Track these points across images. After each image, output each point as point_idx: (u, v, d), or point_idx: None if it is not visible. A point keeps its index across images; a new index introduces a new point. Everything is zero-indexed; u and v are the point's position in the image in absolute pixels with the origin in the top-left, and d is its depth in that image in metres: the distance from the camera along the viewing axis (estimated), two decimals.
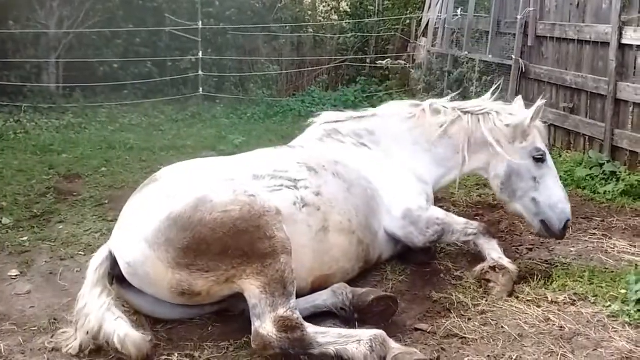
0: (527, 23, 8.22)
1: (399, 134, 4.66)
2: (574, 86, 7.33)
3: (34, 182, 6.24)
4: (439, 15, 10.91)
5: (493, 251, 4.26)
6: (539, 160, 4.43)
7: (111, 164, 6.95)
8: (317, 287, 3.81)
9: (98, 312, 3.26)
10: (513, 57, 8.36)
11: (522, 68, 8.27)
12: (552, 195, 4.39)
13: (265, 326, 3.17)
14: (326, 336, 3.20)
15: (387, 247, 4.39)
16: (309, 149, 4.37)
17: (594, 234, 5.08)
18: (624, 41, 6.41)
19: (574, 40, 7.37)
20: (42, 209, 5.54)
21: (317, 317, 3.61)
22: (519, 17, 8.25)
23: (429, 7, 11.67)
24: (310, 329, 3.22)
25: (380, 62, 11.92)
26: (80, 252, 4.65)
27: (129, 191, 5.97)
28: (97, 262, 3.49)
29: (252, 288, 3.28)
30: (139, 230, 3.36)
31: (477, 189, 6.38)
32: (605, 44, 6.71)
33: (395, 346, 3.19)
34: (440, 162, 4.69)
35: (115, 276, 3.53)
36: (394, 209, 4.30)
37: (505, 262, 4.13)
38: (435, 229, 4.31)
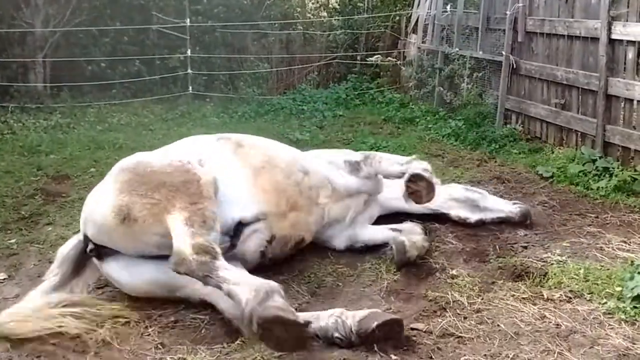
0: (516, 19, 8.17)
1: None
2: (564, 82, 7.31)
3: (21, 183, 6.17)
4: (429, 11, 10.86)
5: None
6: None
7: (100, 165, 6.85)
8: None
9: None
10: (503, 53, 8.33)
11: (512, 64, 8.24)
12: None
13: (184, 248, 3.48)
14: (229, 273, 3.41)
15: None
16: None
17: (589, 230, 5.07)
18: (613, 36, 6.40)
19: (563, 35, 7.35)
20: (30, 210, 5.47)
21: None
22: (508, 12, 8.21)
23: (419, 4, 11.62)
24: (220, 262, 3.46)
25: (370, 59, 11.85)
26: None
27: None
28: (66, 248, 4.09)
29: (176, 222, 3.61)
30: (99, 194, 3.97)
31: (472, 185, 6.34)
32: (595, 39, 6.69)
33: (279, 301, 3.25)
34: None
35: (95, 255, 3.99)
36: None
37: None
38: None
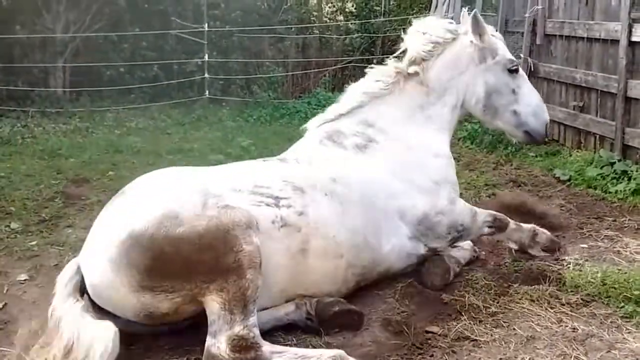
0: (535, 21, 8.16)
1: (395, 116, 4.25)
2: (583, 84, 7.27)
3: (42, 186, 6.24)
4: (446, 14, 10.83)
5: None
6: (514, 71, 4.30)
7: (118, 168, 6.94)
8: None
9: (72, 324, 3.09)
10: (522, 55, 8.29)
11: (531, 66, 8.22)
12: (531, 104, 4.34)
13: (219, 345, 3.04)
14: (282, 356, 3.08)
15: (399, 260, 4.07)
16: (304, 161, 3.96)
17: (606, 234, 5.02)
18: (633, 38, 6.34)
19: (583, 38, 7.31)
20: (51, 213, 5.54)
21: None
22: (527, 15, 8.20)
23: (436, 7, 11.60)
24: (267, 347, 3.09)
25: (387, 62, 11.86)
26: None
27: None
28: (66, 276, 3.32)
29: (212, 304, 3.11)
30: (103, 249, 3.14)
31: (487, 189, 6.33)
32: (615, 42, 6.63)
33: None
34: (442, 124, 4.36)
35: (85, 290, 3.32)
36: (408, 215, 4.03)
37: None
38: (454, 236, 4.17)
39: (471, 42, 4.24)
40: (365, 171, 3.99)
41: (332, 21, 13.59)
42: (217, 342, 3.04)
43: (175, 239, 3.05)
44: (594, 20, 7.17)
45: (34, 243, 4.91)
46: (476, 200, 5.99)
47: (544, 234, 4.57)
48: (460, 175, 6.73)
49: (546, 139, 4.60)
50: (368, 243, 3.83)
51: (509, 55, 4.34)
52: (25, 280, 4.29)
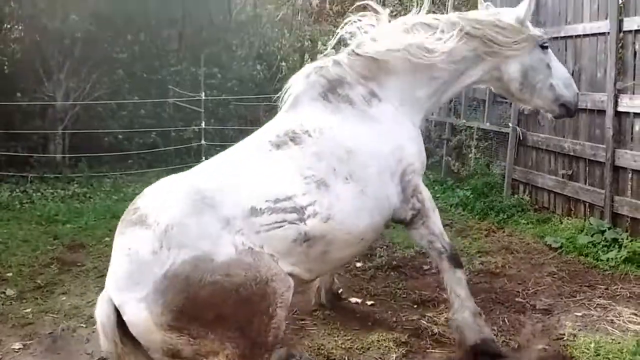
0: None
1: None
2: (571, 153, 7.43)
3: (38, 252, 6.28)
4: None
5: (459, 287, 4.14)
6: (545, 47, 4.27)
7: (114, 234, 6.97)
8: None
9: None
10: (510, 124, 8.51)
11: (519, 136, 8.42)
12: (562, 75, 4.34)
13: None
14: None
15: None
16: (315, 131, 3.70)
17: (599, 302, 5.06)
18: (619, 109, 6.50)
19: None
20: (46, 279, 5.55)
21: None
22: None
23: None
24: None
25: None
26: (82, 325, 4.65)
27: None
28: (105, 312, 3.00)
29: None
30: (135, 288, 2.91)
31: (479, 257, 6.39)
32: (602, 112, 6.80)
33: None
34: (441, 87, 4.24)
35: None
36: (397, 175, 3.93)
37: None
38: (413, 211, 4.03)
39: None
40: (376, 129, 3.90)
41: None
42: None
43: (211, 284, 2.89)
44: (580, 90, 7.32)
45: (28, 310, 4.92)
46: (470, 267, 6.04)
47: (488, 328, 4.29)
48: (454, 242, 6.83)
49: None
50: (382, 215, 3.78)
51: (538, 32, 4.28)
52: (19, 349, 4.28)
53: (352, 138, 3.73)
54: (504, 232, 7.37)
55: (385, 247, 6.66)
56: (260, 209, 3.16)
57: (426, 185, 9.14)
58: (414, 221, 4.07)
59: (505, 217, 7.82)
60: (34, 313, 4.87)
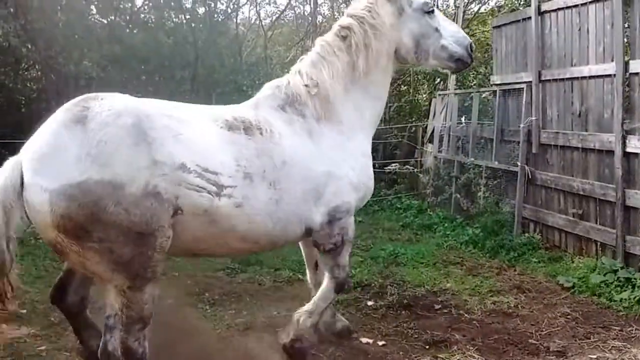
0: (530, 131, 8.47)
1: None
2: (581, 192, 7.46)
3: (52, 289, 6.25)
4: (444, 123, 11.28)
5: (322, 300, 4.48)
6: (431, 12, 4.54)
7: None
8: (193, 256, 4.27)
9: None
10: (519, 163, 8.57)
11: (528, 174, 8.47)
12: (452, 33, 4.61)
13: (114, 342, 3.48)
14: None
15: (299, 239, 4.35)
16: (267, 132, 3.97)
17: (614, 344, 5.04)
18: (628, 149, 6.58)
19: (578, 148, 7.56)
20: (60, 317, 5.49)
21: None
22: (521, 126, 8.53)
23: (434, 115, 12.07)
24: None
25: (388, 168, 12.17)
26: None
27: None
28: (9, 176, 3.26)
29: (114, 302, 3.43)
30: (48, 177, 3.16)
31: (491, 296, 6.38)
32: (610, 152, 6.87)
33: None
34: (375, 96, 4.56)
35: None
36: (326, 203, 4.13)
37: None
38: (337, 240, 4.26)
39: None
40: (313, 149, 4.11)
41: None
42: (113, 340, 3.47)
43: (112, 214, 3.19)
44: (588, 131, 7.43)
45: (42, 348, 4.89)
46: (482, 307, 6.03)
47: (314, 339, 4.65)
48: (464, 281, 6.84)
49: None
50: (286, 229, 3.97)
51: (421, 1, 4.54)
52: None
53: (293, 151, 3.98)
54: (515, 270, 7.36)
55: (395, 285, 6.66)
56: (189, 168, 3.46)
57: (436, 223, 9.30)
58: (328, 252, 4.31)
59: (516, 255, 7.83)
60: (48, 351, 4.85)
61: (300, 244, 4.84)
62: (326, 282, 4.47)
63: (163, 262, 3.49)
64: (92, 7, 11.08)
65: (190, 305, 5.85)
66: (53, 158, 3.19)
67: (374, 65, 4.41)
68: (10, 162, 3.32)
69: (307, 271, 5.03)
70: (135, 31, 11.44)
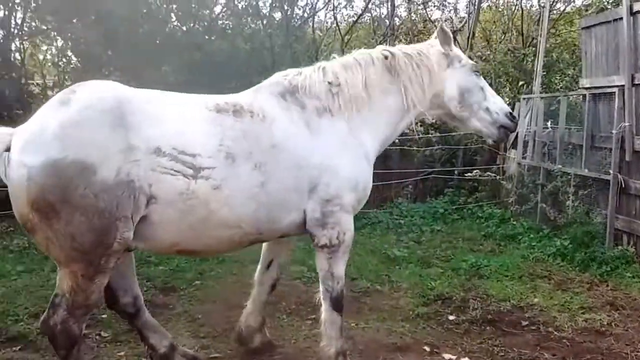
0: (623, 138, 7.99)
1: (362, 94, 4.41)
2: None
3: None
4: (529, 127, 10.82)
5: (332, 327, 4.33)
6: (478, 73, 4.68)
7: (204, 277, 7.05)
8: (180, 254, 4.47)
9: None
10: (611, 171, 8.08)
11: (621, 183, 7.97)
12: (496, 99, 4.68)
13: (56, 319, 3.58)
14: None
15: (295, 229, 4.19)
16: (258, 115, 3.98)
17: None
18: None
19: None
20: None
21: None
22: (614, 132, 8.04)
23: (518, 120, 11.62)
24: (79, 353, 3.71)
25: (469, 174, 11.80)
26: None
27: (220, 306, 6.05)
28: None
29: (64, 281, 3.52)
30: (29, 154, 3.29)
31: (582, 313, 6.00)
32: None
33: None
34: (394, 114, 4.54)
35: None
36: (319, 195, 4.07)
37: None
38: (330, 236, 4.16)
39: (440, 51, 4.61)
40: (311, 138, 4.08)
41: (412, 133, 13.77)
42: (56, 316, 3.58)
43: (79, 197, 3.28)
44: None
45: (122, 354, 4.95)
46: (572, 325, 5.67)
47: None
48: (553, 296, 6.49)
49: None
50: (272, 216, 3.93)
51: (471, 61, 4.75)
52: None
53: (285, 137, 3.96)
54: (607, 286, 6.93)
55: (479, 298, 6.39)
56: (164, 152, 3.50)
57: (520, 233, 8.92)
58: (322, 249, 4.21)
59: (608, 269, 7.37)
60: (128, 356, 4.91)
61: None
62: (322, 303, 4.37)
63: (120, 255, 3.56)
64: (172, 14, 11.29)
65: (267, 314, 5.79)
66: (36, 136, 3.34)
67: (401, 91, 4.49)
68: (1, 134, 3.47)
69: (258, 267, 4.93)
70: (213, 38, 11.60)
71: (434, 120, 13.56)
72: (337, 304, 4.33)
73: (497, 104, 4.66)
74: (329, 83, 4.31)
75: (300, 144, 4.01)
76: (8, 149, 3.39)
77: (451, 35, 4.67)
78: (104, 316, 5.70)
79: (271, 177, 3.84)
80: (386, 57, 4.50)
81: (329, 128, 4.18)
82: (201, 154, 3.60)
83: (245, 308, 4.98)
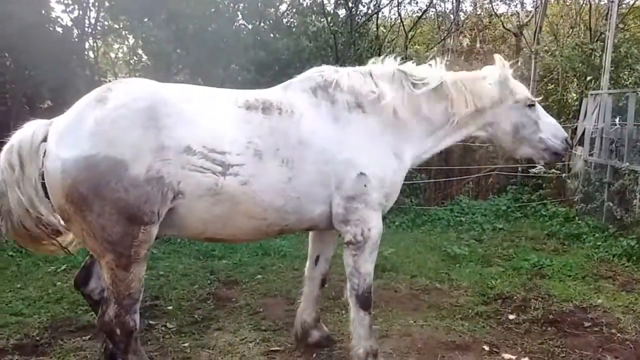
0: None
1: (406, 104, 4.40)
2: None
3: (196, 287, 6.58)
4: (596, 124, 10.53)
5: (360, 327, 4.36)
6: (532, 105, 4.63)
7: (266, 271, 7.20)
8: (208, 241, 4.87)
9: None
10: None
11: None
12: (550, 128, 4.66)
13: (110, 314, 3.75)
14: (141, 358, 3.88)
15: (325, 220, 4.20)
16: (286, 112, 4.04)
17: None
18: None
19: None
20: (203, 314, 5.80)
21: None
22: None
23: (585, 116, 11.32)
24: (137, 344, 3.87)
25: (532, 170, 11.57)
26: None
27: (281, 300, 6.19)
28: (35, 134, 3.65)
29: (104, 273, 3.72)
30: (64, 147, 3.48)
31: None
32: None
33: None
34: (433, 133, 4.55)
35: None
36: (344, 190, 4.08)
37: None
38: (355, 233, 4.18)
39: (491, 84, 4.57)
40: (339, 134, 4.09)
41: None
42: (109, 310, 3.75)
43: (111, 192, 3.45)
44: None
45: (186, 345, 5.11)
46: (637, 327, 5.53)
47: None
48: (617, 298, 6.33)
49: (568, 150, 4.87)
50: (299, 209, 4.00)
51: (527, 93, 4.67)
52: None
53: (313, 132, 4.00)
54: None
55: (540, 298, 6.30)
56: (195, 150, 3.62)
57: (585, 232, 8.73)
58: (348, 245, 4.24)
59: None
60: (191, 347, 5.06)
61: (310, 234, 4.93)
62: (350, 302, 4.39)
63: (149, 245, 3.68)
64: (239, 13, 11.50)
65: (327, 309, 5.89)
66: (72, 131, 3.52)
67: (448, 109, 4.51)
68: (40, 124, 3.70)
69: (307, 263, 4.99)
70: (278, 36, 11.76)
71: None
72: (364, 302, 4.33)
73: (551, 131, 4.65)
74: (372, 92, 4.31)
75: (326, 138, 4.03)
76: (45, 140, 3.62)
77: (508, 70, 4.64)
78: (169, 308, 5.93)
79: (298, 172, 3.91)
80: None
81: (359, 124, 4.17)
82: (230, 152, 3.71)
83: (300, 305, 5.08)
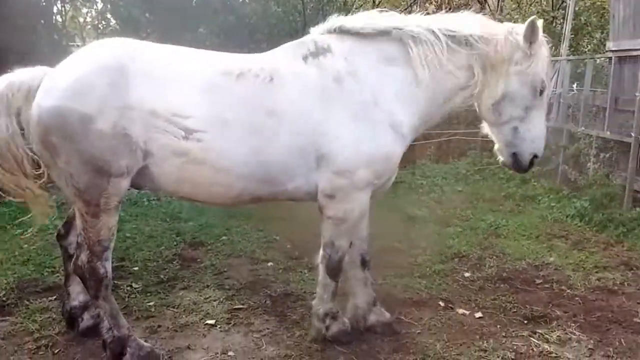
0: None
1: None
2: None
3: (162, 248, 6.65)
4: (554, 89, 10.79)
5: (324, 290, 4.43)
6: (541, 91, 4.05)
7: (231, 233, 7.30)
8: (183, 199, 4.65)
9: None
10: (632, 134, 8.09)
11: None
12: (534, 129, 4.08)
13: (83, 259, 3.97)
14: (111, 307, 4.03)
15: (301, 194, 4.10)
16: (265, 77, 3.90)
17: None
18: None
19: None
20: (168, 275, 5.89)
21: None
22: (638, 94, 8.02)
23: None
24: (107, 291, 3.98)
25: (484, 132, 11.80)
26: (199, 320, 4.90)
27: (245, 260, 6.32)
28: (29, 77, 3.90)
29: (78, 221, 3.92)
30: (47, 95, 3.67)
31: (596, 272, 6.15)
32: None
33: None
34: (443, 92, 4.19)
35: None
36: (327, 165, 3.93)
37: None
38: (337, 210, 4.07)
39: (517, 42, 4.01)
40: (319, 106, 3.91)
41: None
42: (82, 256, 3.98)
43: (76, 142, 3.61)
44: None
45: (151, 304, 5.21)
46: (585, 283, 5.83)
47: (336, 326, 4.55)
48: (568, 256, 6.63)
49: (528, 171, 4.38)
50: (271, 179, 3.95)
51: (542, 75, 4.02)
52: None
53: (291, 102, 3.87)
54: (623, 246, 7.04)
55: (495, 257, 6.56)
56: (158, 113, 3.70)
57: (540, 194, 9.00)
58: (328, 219, 4.13)
59: (625, 230, 7.46)
60: (156, 306, 5.16)
61: None
62: (320, 267, 4.38)
63: (119, 197, 3.81)
64: None
65: (290, 269, 6.05)
66: (54, 83, 3.72)
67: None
68: (38, 70, 3.93)
69: None
70: (247, 1, 11.71)
71: None
72: (332, 271, 4.33)
73: (532, 133, 4.09)
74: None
75: (306, 110, 3.87)
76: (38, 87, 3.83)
77: (539, 34, 3.99)
78: (135, 268, 6.01)
79: (268, 142, 3.82)
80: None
81: (349, 95, 3.93)
82: (194, 117, 3.73)
83: (350, 293, 4.82)
